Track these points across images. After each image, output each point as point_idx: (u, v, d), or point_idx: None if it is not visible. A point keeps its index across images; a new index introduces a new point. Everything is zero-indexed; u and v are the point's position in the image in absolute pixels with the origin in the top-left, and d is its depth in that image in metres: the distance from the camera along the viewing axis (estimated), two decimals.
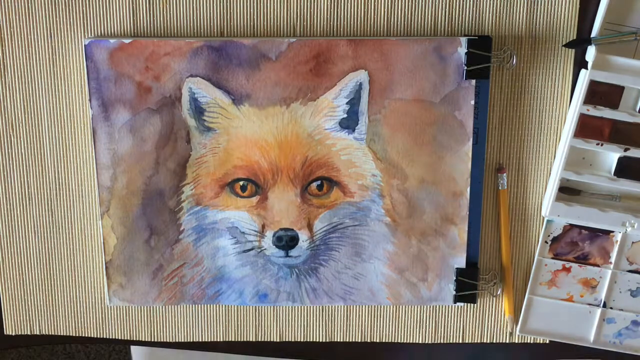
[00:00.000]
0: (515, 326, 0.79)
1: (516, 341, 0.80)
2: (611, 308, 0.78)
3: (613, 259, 0.76)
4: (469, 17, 0.72)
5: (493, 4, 0.71)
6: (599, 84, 0.71)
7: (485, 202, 0.76)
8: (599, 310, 0.78)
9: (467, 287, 0.77)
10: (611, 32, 0.70)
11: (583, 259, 0.77)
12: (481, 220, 0.76)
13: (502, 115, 0.74)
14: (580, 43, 0.71)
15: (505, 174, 0.75)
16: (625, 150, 0.72)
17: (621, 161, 0.73)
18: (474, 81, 0.71)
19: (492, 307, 0.79)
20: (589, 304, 0.78)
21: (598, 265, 0.77)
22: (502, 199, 0.76)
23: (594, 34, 0.71)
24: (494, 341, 0.80)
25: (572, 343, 0.79)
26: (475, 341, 0.80)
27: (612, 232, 0.76)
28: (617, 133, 0.72)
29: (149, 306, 0.79)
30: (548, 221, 0.76)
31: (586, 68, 0.71)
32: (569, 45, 0.71)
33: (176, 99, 0.72)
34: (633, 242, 0.76)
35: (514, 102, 0.74)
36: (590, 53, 0.70)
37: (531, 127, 0.74)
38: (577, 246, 0.77)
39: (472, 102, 0.72)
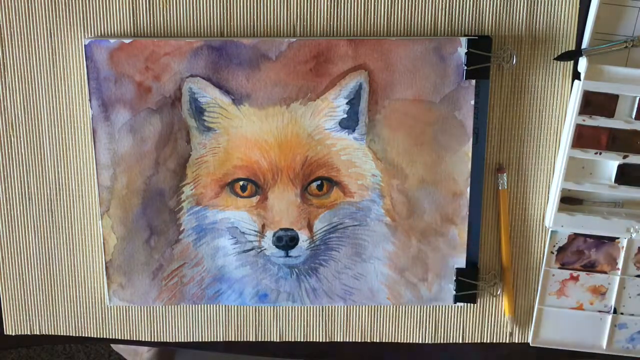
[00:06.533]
0: (516, 327, 0.79)
1: (516, 341, 0.80)
2: (622, 314, 0.78)
3: (620, 265, 0.76)
4: (469, 17, 0.71)
5: (493, 4, 0.71)
6: (593, 93, 0.70)
7: (485, 202, 0.76)
8: (609, 317, 0.78)
9: (467, 287, 0.77)
10: (602, 42, 0.70)
11: (590, 267, 0.77)
12: (481, 220, 0.76)
13: (502, 115, 0.74)
14: (571, 55, 0.71)
15: (505, 174, 0.75)
16: (625, 157, 0.72)
17: (621, 168, 0.73)
18: (474, 81, 0.71)
19: (492, 307, 0.79)
20: (600, 311, 0.78)
21: (606, 272, 0.77)
22: (502, 199, 0.76)
23: (584, 44, 0.71)
24: (494, 341, 0.80)
25: (586, 351, 0.79)
26: (475, 341, 0.80)
27: (618, 238, 0.76)
28: (615, 141, 0.72)
29: (149, 306, 0.79)
30: (552, 232, 0.76)
31: (579, 79, 0.71)
32: (560, 58, 0.71)
33: (176, 99, 0.72)
34: (639, 247, 0.76)
35: (514, 102, 0.74)
36: (582, 64, 0.70)
37: (531, 127, 0.74)
38: (583, 254, 0.76)
39: (472, 102, 0.72)
